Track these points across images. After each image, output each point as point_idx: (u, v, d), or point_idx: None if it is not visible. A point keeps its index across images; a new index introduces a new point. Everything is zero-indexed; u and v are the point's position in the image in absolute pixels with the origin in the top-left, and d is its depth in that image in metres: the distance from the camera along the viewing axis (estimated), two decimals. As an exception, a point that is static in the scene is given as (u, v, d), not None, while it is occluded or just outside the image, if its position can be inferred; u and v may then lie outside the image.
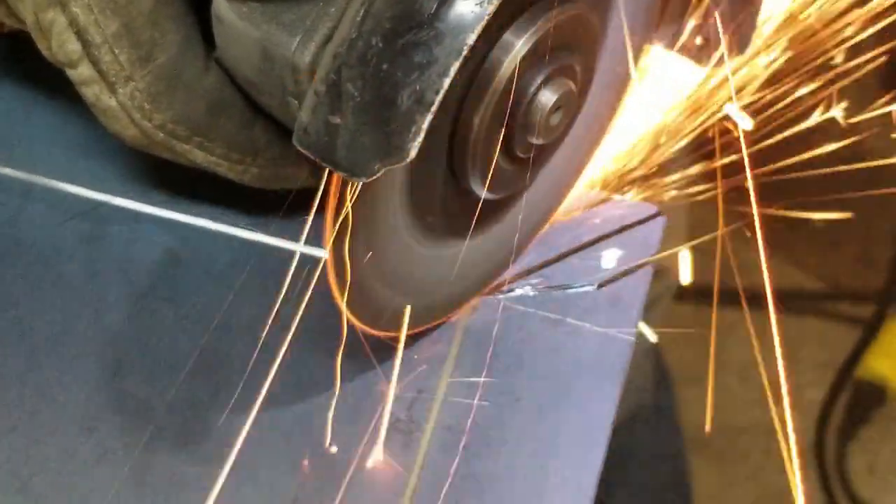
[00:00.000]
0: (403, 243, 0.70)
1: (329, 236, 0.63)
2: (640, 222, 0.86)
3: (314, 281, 0.70)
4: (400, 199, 0.68)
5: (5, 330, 0.77)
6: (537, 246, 0.84)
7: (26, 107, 0.90)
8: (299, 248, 0.68)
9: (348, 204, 0.62)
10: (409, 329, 0.76)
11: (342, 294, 0.67)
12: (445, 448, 0.74)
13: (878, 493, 1.33)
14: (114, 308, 0.78)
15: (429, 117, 0.56)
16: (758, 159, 0.89)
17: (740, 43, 0.77)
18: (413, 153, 0.57)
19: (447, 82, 0.55)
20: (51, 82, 0.89)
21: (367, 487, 0.71)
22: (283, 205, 0.77)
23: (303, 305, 0.71)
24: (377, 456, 0.70)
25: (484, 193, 0.71)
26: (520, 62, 0.65)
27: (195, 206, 0.83)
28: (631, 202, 0.89)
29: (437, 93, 0.55)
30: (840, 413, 1.38)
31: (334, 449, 0.71)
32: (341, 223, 0.63)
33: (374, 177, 0.57)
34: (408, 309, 0.72)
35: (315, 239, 0.74)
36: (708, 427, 0.81)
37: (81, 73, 0.69)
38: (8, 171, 0.85)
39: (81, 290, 0.79)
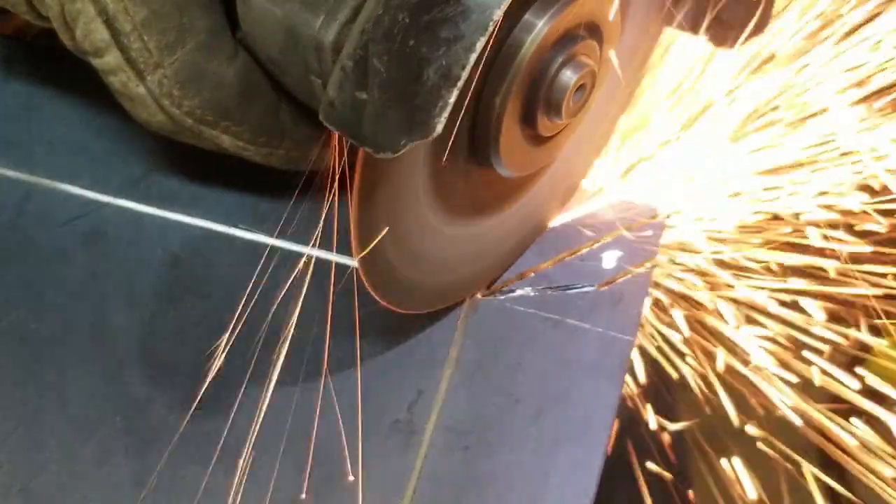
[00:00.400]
0: (427, 222, 0.71)
1: (354, 215, 0.63)
2: (641, 223, 0.86)
3: (310, 281, 0.70)
4: (423, 179, 0.68)
5: (7, 331, 0.77)
6: (538, 247, 0.84)
7: (27, 108, 0.90)
8: (298, 248, 0.68)
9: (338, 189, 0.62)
10: (430, 307, 0.77)
11: (367, 275, 0.67)
12: (445, 448, 0.74)
13: (878, 494, 1.33)
14: (114, 309, 0.78)
15: (455, 92, 0.56)
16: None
17: (759, 23, 0.77)
18: (439, 128, 0.57)
19: (473, 58, 0.55)
20: (52, 84, 0.89)
21: (368, 487, 0.71)
22: (282, 206, 0.77)
23: (298, 305, 0.71)
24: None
25: (506, 173, 0.71)
26: (541, 41, 0.65)
27: (195, 207, 0.83)
28: (631, 203, 0.88)
29: (463, 68, 0.55)
30: (839, 413, 1.38)
31: (334, 448, 0.71)
32: (366, 199, 0.63)
33: (400, 152, 0.57)
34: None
35: (315, 238, 0.74)
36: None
37: (108, 61, 0.70)
38: (9, 172, 0.85)
39: (82, 292, 0.79)
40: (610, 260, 0.83)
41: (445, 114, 0.56)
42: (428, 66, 0.56)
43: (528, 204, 0.79)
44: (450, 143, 0.64)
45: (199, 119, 0.72)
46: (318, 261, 0.72)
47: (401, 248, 0.69)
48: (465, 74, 0.56)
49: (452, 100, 0.56)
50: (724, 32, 0.78)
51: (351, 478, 0.71)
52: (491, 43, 0.57)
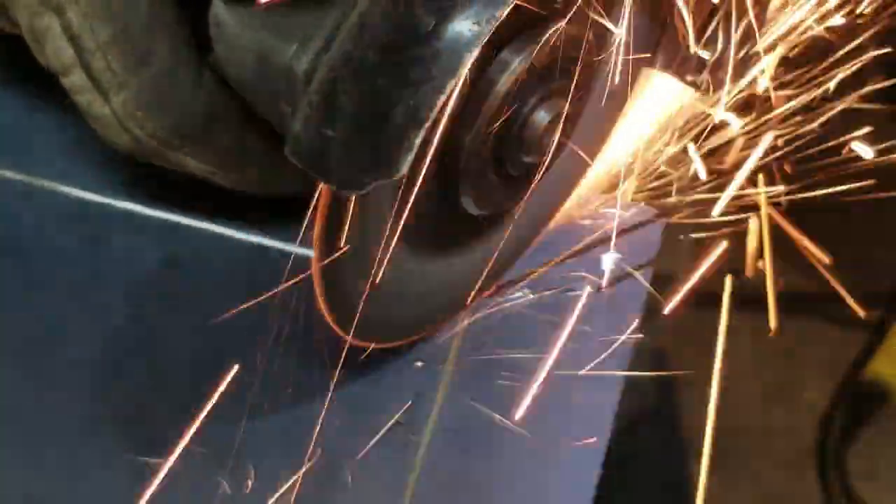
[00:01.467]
0: (392, 257, 0.70)
1: (318, 250, 0.62)
2: (640, 225, 0.86)
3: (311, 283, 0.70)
4: (390, 214, 0.67)
5: (6, 332, 0.77)
6: (537, 249, 0.84)
7: (27, 110, 0.90)
8: (297, 249, 0.68)
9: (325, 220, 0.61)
10: (393, 342, 0.76)
11: (328, 307, 0.66)
12: (445, 449, 0.74)
13: (879, 495, 1.33)
14: (114, 310, 0.78)
15: (422, 134, 0.55)
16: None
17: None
18: (404, 169, 0.56)
19: (442, 100, 0.55)
20: (52, 85, 0.89)
21: (368, 487, 0.71)
22: (281, 207, 0.77)
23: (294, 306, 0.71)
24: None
25: (474, 210, 0.70)
26: (515, 81, 0.64)
27: (194, 208, 0.83)
28: (630, 205, 0.89)
29: (430, 109, 0.55)
30: (841, 414, 1.38)
31: (334, 449, 0.71)
32: (331, 236, 0.62)
33: (364, 191, 0.57)
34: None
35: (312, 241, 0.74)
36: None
37: (74, 80, 0.69)
38: (9, 174, 0.85)
39: (82, 293, 0.79)
40: (609, 262, 0.83)
41: (411, 154, 0.56)
42: (395, 107, 0.55)
43: (496, 242, 0.78)
44: (418, 180, 0.63)
45: (164, 142, 0.71)
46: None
47: (366, 282, 0.68)
48: (432, 116, 0.55)
49: (419, 141, 0.55)
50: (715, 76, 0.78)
51: (350, 478, 0.71)
52: (463, 82, 0.56)
